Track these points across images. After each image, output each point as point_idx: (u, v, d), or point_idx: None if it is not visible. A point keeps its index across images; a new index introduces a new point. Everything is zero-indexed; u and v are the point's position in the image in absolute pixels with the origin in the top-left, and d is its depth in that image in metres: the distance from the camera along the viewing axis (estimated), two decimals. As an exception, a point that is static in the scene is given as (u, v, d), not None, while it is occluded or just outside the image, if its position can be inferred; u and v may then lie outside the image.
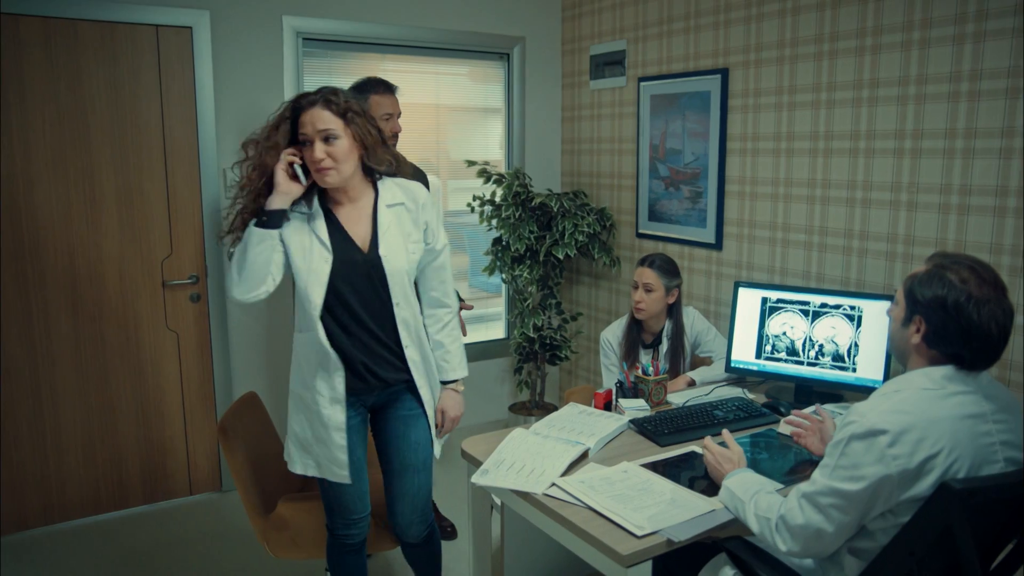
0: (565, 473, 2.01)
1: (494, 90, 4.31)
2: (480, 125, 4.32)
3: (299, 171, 2.00)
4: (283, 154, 1.99)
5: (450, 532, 3.25)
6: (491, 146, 4.35)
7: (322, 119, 1.96)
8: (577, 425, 2.30)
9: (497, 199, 3.96)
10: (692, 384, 2.87)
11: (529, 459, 2.08)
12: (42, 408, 3.27)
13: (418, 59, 4.04)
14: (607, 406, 2.53)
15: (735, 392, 2.74)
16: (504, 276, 4.04)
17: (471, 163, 3.92)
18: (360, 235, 2.09)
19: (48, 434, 3.29)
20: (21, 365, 3.21)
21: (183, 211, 3.44)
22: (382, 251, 2.07)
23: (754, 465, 2.02)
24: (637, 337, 2.97)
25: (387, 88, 2.99)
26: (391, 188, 2.15)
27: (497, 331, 4.53)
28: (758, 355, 2.77)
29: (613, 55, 3.99)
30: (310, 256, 2.04)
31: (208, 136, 3.44)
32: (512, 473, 2.01)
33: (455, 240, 4.34)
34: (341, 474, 2.12)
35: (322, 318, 2.05)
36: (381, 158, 2.08)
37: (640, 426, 2.33)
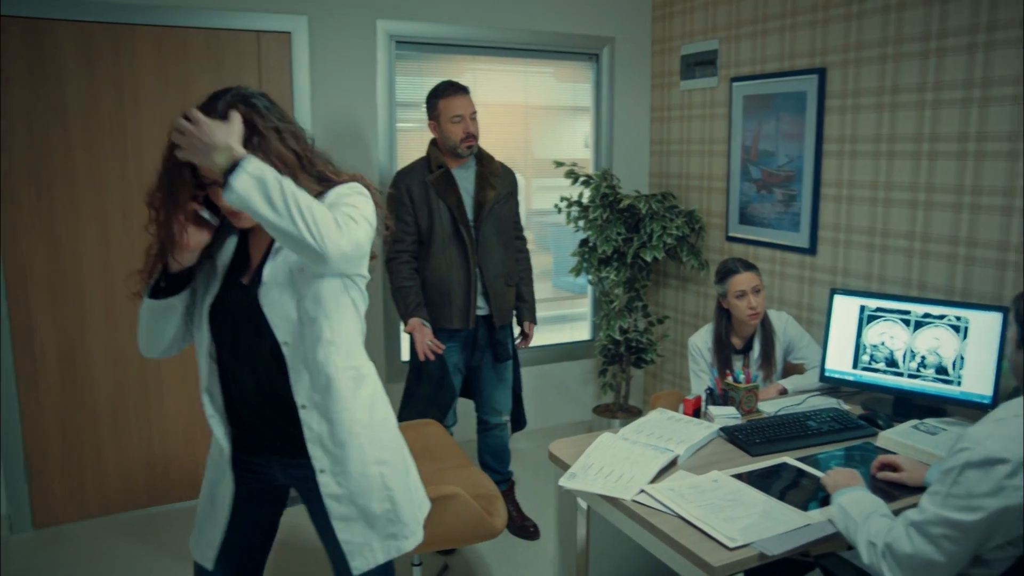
0: (654, 480, 2.00)
1: (582, 90, 4.30)
2: (565, 124, 4.32)
3: (206, 214, 1.55)
4: (181, 206, 1.50)
5: (532, 532, 3.27)
6: (576, 145, 4.34)
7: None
8: (666, 431, 2.28)
9: (584, 200, 3.95)
10: (784, 392, 2.80)
11: (618, 464, 2.07)
12: (148, 396, 3.45)
13: (507, 60, 4.06)
14: (696, 413, 2.50)
15: (829, 402, 2.66)
16: (590, 278, 4.03)
17: (559, 164, 3.92)
18: (254, 262, 1.64)
19: (154, 421, 3.47)
20: (132, 354, 3.40)
21: (281, 210, 3.56)
22: (264, 281, 1.56)
23: (851, 479, 1.96)
24: (727, 343, 2.92)
25: (456, 90, 3.01)
26: None
27: (582, 332, 4.52)
28: (855, 365, 2.68)
29: (705, 55, 3.93)
30: (205, 286, 1.64)
31: (305, 138, 3.55)
32: (600, 478, 2.01)
33: (539, 239, 4.36)
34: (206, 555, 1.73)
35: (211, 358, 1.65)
36: (308, 187, 1.53)
37: (730, 435, 2.30)
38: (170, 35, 3.30)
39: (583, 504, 2.25)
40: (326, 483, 1.61)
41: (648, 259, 3.81)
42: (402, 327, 3.16)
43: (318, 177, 1.59)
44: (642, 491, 1.93)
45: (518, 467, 3.88)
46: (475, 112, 3.04)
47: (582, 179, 3.91)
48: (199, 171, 1.48)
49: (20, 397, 3.25)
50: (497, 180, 3.12)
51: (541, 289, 4.36)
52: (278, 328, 1.54)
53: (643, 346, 4.03)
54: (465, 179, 3.10)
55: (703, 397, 2.57)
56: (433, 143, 3.12)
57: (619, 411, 4.15)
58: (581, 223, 3.95)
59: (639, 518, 1.85)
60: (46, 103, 3.15)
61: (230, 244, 1.64)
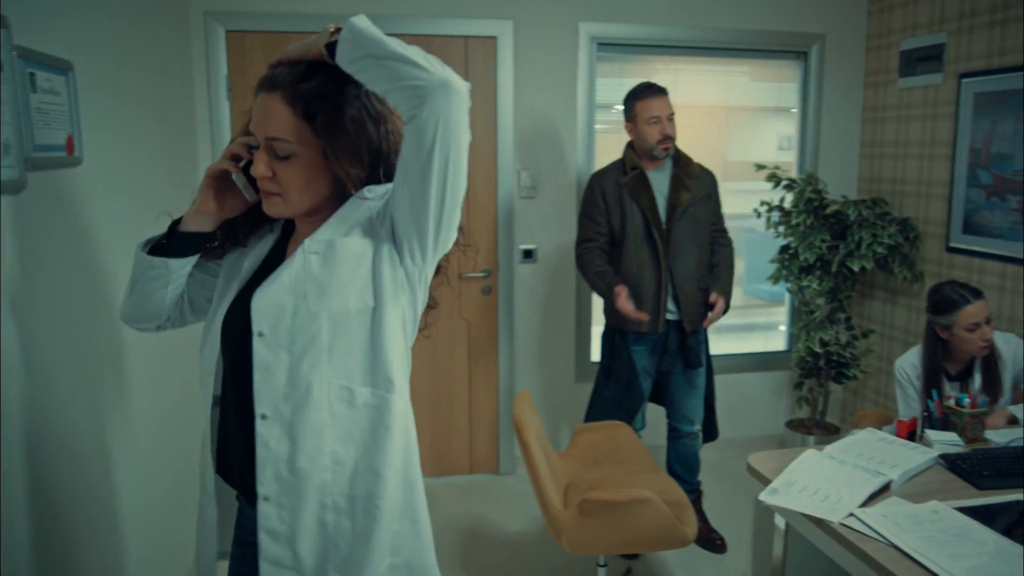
0: (864, 504, 1.88)
1: (779, 90, 4.11)
2: (760, 126, 4.15)
3: (239, 181, 1.36)
4: (227, 147, 1.35)
5: (719, 545, 3.18)
6: (769, 148, 4.15)
7: (274, 117, 1.25)
8: (877, 453, 2.13)
9: (786, 205, 3.78)
10: (1014, 421, 2.53)
11: (824, 484, 1.96)
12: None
13: (707, 60, 3.97)
14: (911, 436, 2.32)
15: (1072, 436, 2.37)
16: (790, 286, 3.85)
17: (760, 167, 3.77)
18: None
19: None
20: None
21: (480, 209, 3.69)
22: (265, 283, 1.32)
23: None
24: (940, 367, 2.67)
25: (654, 91, 2.98)
26: (340, 221, 1.34)
27: (777, 342, 4.33)
28: (1105, 396, 2.37)
29: (929, 49, 3.63)
30: (224, 290, 1.42)
31: (506, 139, 3.66)
32: (805, 496, 1.91)
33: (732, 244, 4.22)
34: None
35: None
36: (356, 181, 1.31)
37: (952, 463, 2.10)
38: (387, 43, 3.50)
39: (781, 522, 2.15)
40: (266, 514, 1.30)
41: (855, 269, 3.58)
42: (593, 331, 3.17)
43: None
44: (851, 514, 1.82)
45: (705, 477, 3.78)
46: (672, 114, 3.00)
47: (784, 183, 3.74)
48: (250, 127, 1.30)
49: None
50: (693, 182, 3.06)
51: (732, 295, 4.22)
52: (258, 319, 1.28)
53: (844, 361, 3.79)
54: (660, 181, 3.06)
55: (919, 420, 2.37)
56: (629, 145, 3.11)
57: (815, 427, 3.93)
58: (782, 229, 3.79)
59: (847, 543, 1.74)
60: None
61: (264, 245, 1.43)
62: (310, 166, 1.27)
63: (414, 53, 1.17)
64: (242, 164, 1.34)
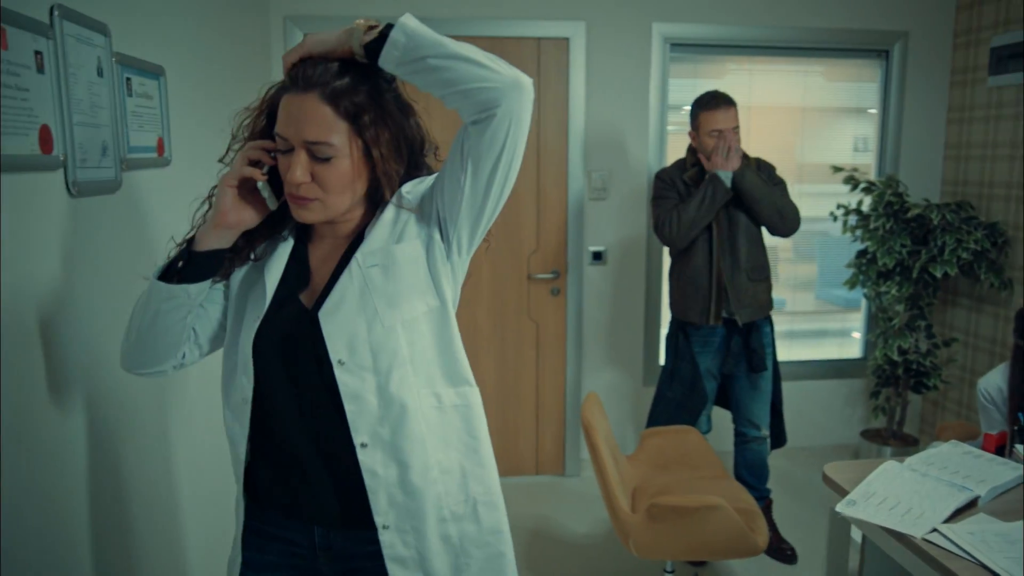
0: (948, 519, 1.81)
1: (863, 89, 3.99)
2: (834, 127, 4.04)
3: (265, 191, 1.26)
4: (241, 153, 1.25)
5: (790, 556, 3.10)
6: (844, 149, 4.03)
7: (313, 119, 1.18)
8: (963, 467, 2.05)
9: (864, 208, 3.67)
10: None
11: (905, 497, 1.90)
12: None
13: (782, 60, 3.88)
14: (999, 451, 2.22)
15: None
16: (867, 292, 3.74)
17: (837, 169, 3.67)
18: (319, 281, 1.31)
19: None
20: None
21: (550, 210, 3.69)
22: (329, 306, 1.25)
23: None
24: (1029, 385, 2.55)
25: (718, 103, 2.94)
26: (384, 229, 1.30)
27: (851, 350, 4.21)
28: None
29: (1021, 46, 3.47)
30: (244, 308, 1.32)
31: (577, 140, 3.65)
32: (884, 509, 1.86)
33: (803, 248, 4.12)
34: None
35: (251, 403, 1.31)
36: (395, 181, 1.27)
37: (1044, 480, 2.01)
38: (460, 45, 3.54)
39: (857, 534, 2.09)
40: (389, 543, 1.27)
41: (937, 275, 3.45)
42: (662, 334, 3.14)
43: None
44: (935, 530, 1.76)
45: (776, 485, 3.70)
46: (737, 126, 2.96)
47: (863, 185, 3.63)
48: (276, 132, 1.21)
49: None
50: (749, 173, 3.00)
51: (802, 301, 4.14)
52: (335, 347, 1.23)
53: (925, 370, 3.66)
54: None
55: (1010, 433, 2.28)
56: (690, 148, 3.10)
57: (891, 438, 3.81)
58: (859, 233, 3.68)
59: (930, 559, 1.68)
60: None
61: (281, 254, 1.32)
62: (352, 167, 1.21)
63: (476, 53, 1.13)
64: (264, 170, 1.25)
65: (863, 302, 4.14)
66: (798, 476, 3.84)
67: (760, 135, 3.90)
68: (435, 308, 1.29)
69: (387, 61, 1.15)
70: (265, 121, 1.27)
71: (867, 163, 4.06)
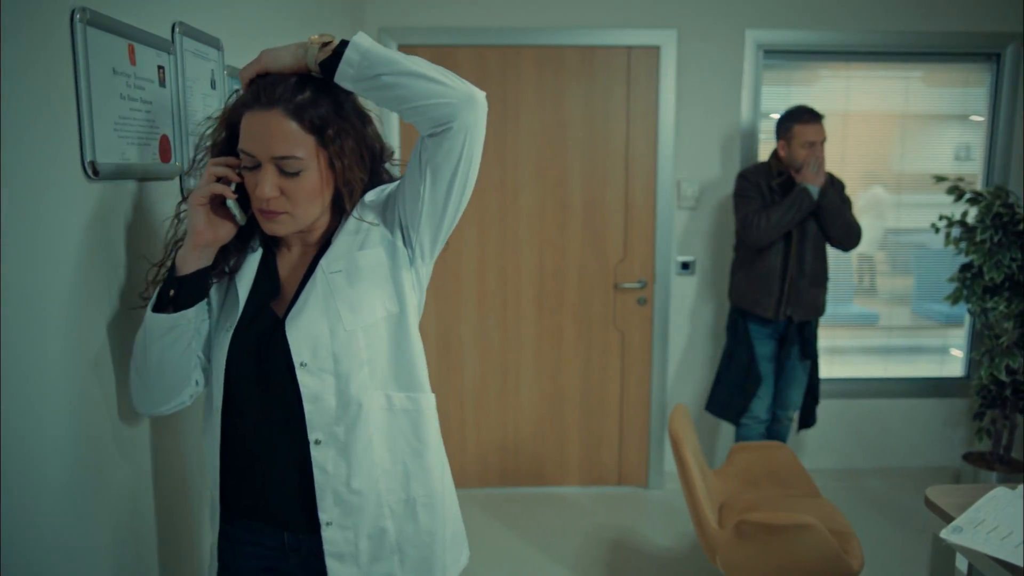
0: (1065, 551, 1.71)
1: (968, 95, 3.81)
2: (934, 134, 3.86)
3: (234, 208, 1.26)
4: (207, 170, 1.26)
5: (885, 581, 3.00)
6: (945, 158, 3.86)
7: (280, 134, 1.19)
8: (1080, 496, 1.93)
9: (970, 220, 3.50)
10: None
11: (1017, 525, 1.80)
12: (506, 384, 3.77)
13: (881, 66, 3.75)
14: (1120, 480, 2.09)
15: None
16: (971, 307, 3.56)
17: (940, 178, 3.52)
18: (289, 290, 1.34)
19: (510, 408, 3.79)
20: (495, 346, 3.74)
21: (638, 219, 3.67)
22: (293, 311, 1.29)
23: None
24: None
25: (812, 117, 3.15)
26: (348, 239, 1.33)
27: (953, 368, 4.02)
28: None
29: None
30: (219, 313, 1.35)
31: (666, 149, 3.62)
32: (995, 538, 1.77)
33: (899, 261, 3.96)
34: None
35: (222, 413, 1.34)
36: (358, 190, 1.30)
37: None
38: (550, 54, 3.56)
39: (962, 563, 2.00)
40: (331, 539, 1.30)
41: (1050, 291, 3.27)
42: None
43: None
44: (1050, 562, 1.66)
45: (870, 507, 3.57)
46: (825, 139, 3.17)
47: (968, 196, 3.47)
48: (241, 149, 1.22)
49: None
50: (830, 190, 3.21)
51: (898, 315, 3.98)
52: (298, 350, 1.26)
53: (1034, 391, 3.46)
54: None
55: None
56: (775, 154, 3.29)
57: (997, 463, 3.62)
58: (964, 245, 3.51)
59: (1045, 593, 1.59)
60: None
61: (251, 264, 1.34)
62: (319, 178, 1.23)
63: (429, 68, 1.16)
64: (232, 187, 1.26)
65: (966, 318, 3.95)
66: (893, 498, 3.69)
67: (857, 143, 3.78)
68: (394, 314, 1.32)
69: (342, 78, 1.18)
70: (225, 135, 1.28)
71: (970, 172, 3.87)
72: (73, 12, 1.19)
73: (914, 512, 3.52)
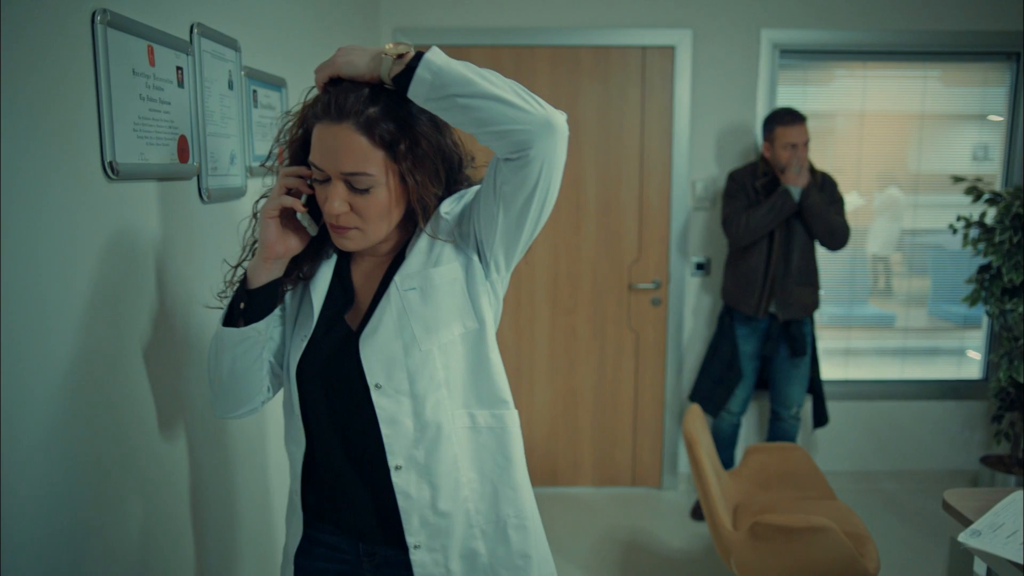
0: (1085, 556, 1.69)
1: (986, 94, 3.78)
2: (951, 134, 3.83)
3: (304, 220, 1.25)
4: (278, 182, 1.24)
5: (901, 584, 2.98)
6: (962, 158, 3.82)
7: (348, 150, 1.15)
8: (1101, 500, 1.91)
9: (988, 220, 3.47)
10: None
11: (1036, 530, 1.79)
12: (521, 384, 3.77)
13: (897, 65, 3.73)
14: None
15: None
16: (990, 309, 3.53)
17: (958, 179, 3.50)
18: (363, 300, 1.32)
19: (524, 408, 3.78)
20: (509, 346, 3.74)
21: (652, 220, 3.66)
22: (368, 330, 1.25)
23: None
24: None
25: (794, 119, 3.20)
26: (421, 252, 1.28)
27: (970, 370, 3.98)
28: None
29: None
30: (295, 321, 1.34)
31: (681, 149, 3.60)
32: (1013, 542, 1.75)
33: (915, 263, 3.93)
34: None
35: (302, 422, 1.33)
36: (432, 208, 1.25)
37: None
38: (564, 54, 3.56)
39: (981, 568, 1.98)
40: (420, 562, 1.28)
41: (1070, 292, 3.24)
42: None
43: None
44: (1070, 566, 1.64)
45: (885, 509, 3.55)
46: (807, 140, 3.21)
47: (987, 196, 3.44)
48: (311, 161, 1.19)
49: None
50: (817, 190, 3.26)
51: (915, 316, 3.95)
52: (372, 370, 1.24)
53: (1053, 394, 3.43)
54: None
55: None
56: (763, 158, 3.34)
57: (1015, 466, 3.58)
58: (982, 247, 3.48)
59: (1065, 597, 1.58)
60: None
61: (325, 272, 1.32)
62: (389, 195, 1.18)
63: (507, 90, 1.09)
64: (302, 199, 1.24)
65: (984, 320, 3.92)
66: (910, 501, 3.66)
67: (873, 143, 3.76)
68: (473, 330, 1.28)
69: (414, 96, 1.11)
70: (301, 134, 1.23)
71: (988, 172, 3.84)
72: (94, 14, 1.20)
73: (931, 515, 3.49)
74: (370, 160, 1.14)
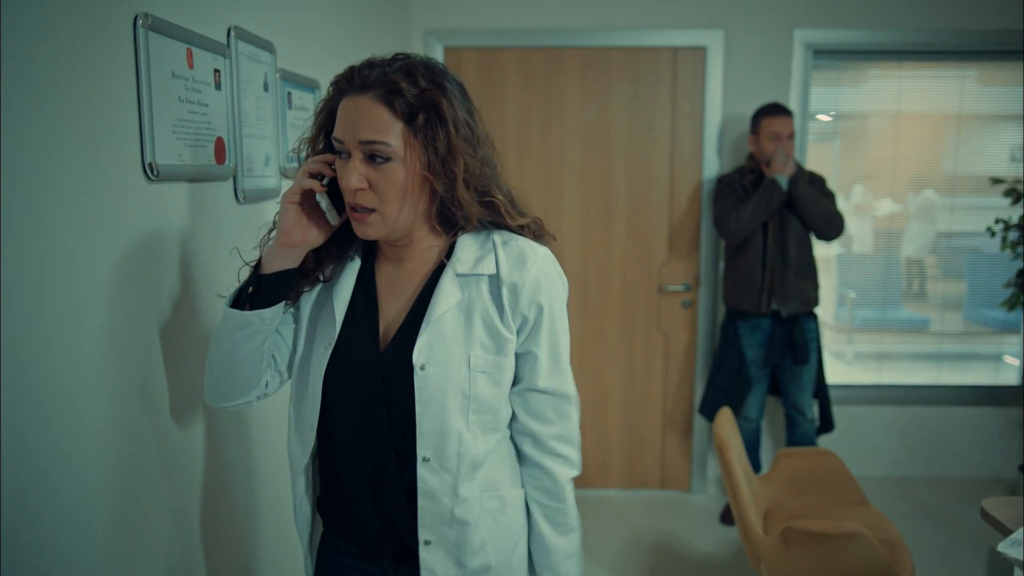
0: None
1: (1016, 94, 3.71)
2: (988, 135, 3.77)
3: (323, 201, 1.19)
4: (302, 167, 1.20)
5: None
6: (1000, 159, 3.76)
7: (368, 118, 1.12)
8: None
9: (1027, 223, 3.41)
10: None
11: (1078, 539, 1.75)
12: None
13: (932, 65, 3.67)
14: None
15: None
16: (1028, 313, 3.47)
17: (996, 180, 3.43)
18: (391, 316, 1.25)
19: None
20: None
21: (682, 221, 3.64)
22: (418, 355, 1.19)
23: None
24: None
25: (779, 111, 3.22)
26: (473, 248, 1.24)
27: (1008, 376, 3.91)
28: None
29: None
30: (314, 332, 1.28)
31: (711, 150, 3.58)
32: (1054, 551, 1.71)
33: (951, 266, 3.87)
34: None
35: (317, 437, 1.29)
36: (468, 205, 1.18)
37: None
38: (595, 55, 3.55)
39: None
40: (428, 559, 1.23)
41: (1113, 297, 3.17)
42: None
43: (484, 202, 1.22)
44: (1113, 577, 1.61)
45: (921, 517, 3.49)
46: (792, 133, 3.22)
47: (1026, 198, 3.38)
48: (334, 136, 1.15)
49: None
50: (801, 180, 3.25)
51: (950, 320, 3.89)
52: (424, 443, 1.20)
53: (1095, 401, 3.36)
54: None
55: None
56: (750, 155, 3.34)
57: (1054, 474, 3.51)
58: (1021, 250, 3.42)
59: (1108, 609, 1.54)
60: (492, 120, 3.59)
61: (348, 278, 1.26)
62: (408, 173, 1.13)
63: None
64: (324, 183, 1.19)
65: (1022, 324, 3.85)
66: (946, 508, 3.60)
67: (908, 144, 3.71)
68: (508, 416, 1.30)
69: None
70: (329, 120, 1.20)
71: (1030, 175, 3.77)
72: (136, 18, 1.23)
73: (967, 523, 3.43)
74: (389, 130, 1.11)
